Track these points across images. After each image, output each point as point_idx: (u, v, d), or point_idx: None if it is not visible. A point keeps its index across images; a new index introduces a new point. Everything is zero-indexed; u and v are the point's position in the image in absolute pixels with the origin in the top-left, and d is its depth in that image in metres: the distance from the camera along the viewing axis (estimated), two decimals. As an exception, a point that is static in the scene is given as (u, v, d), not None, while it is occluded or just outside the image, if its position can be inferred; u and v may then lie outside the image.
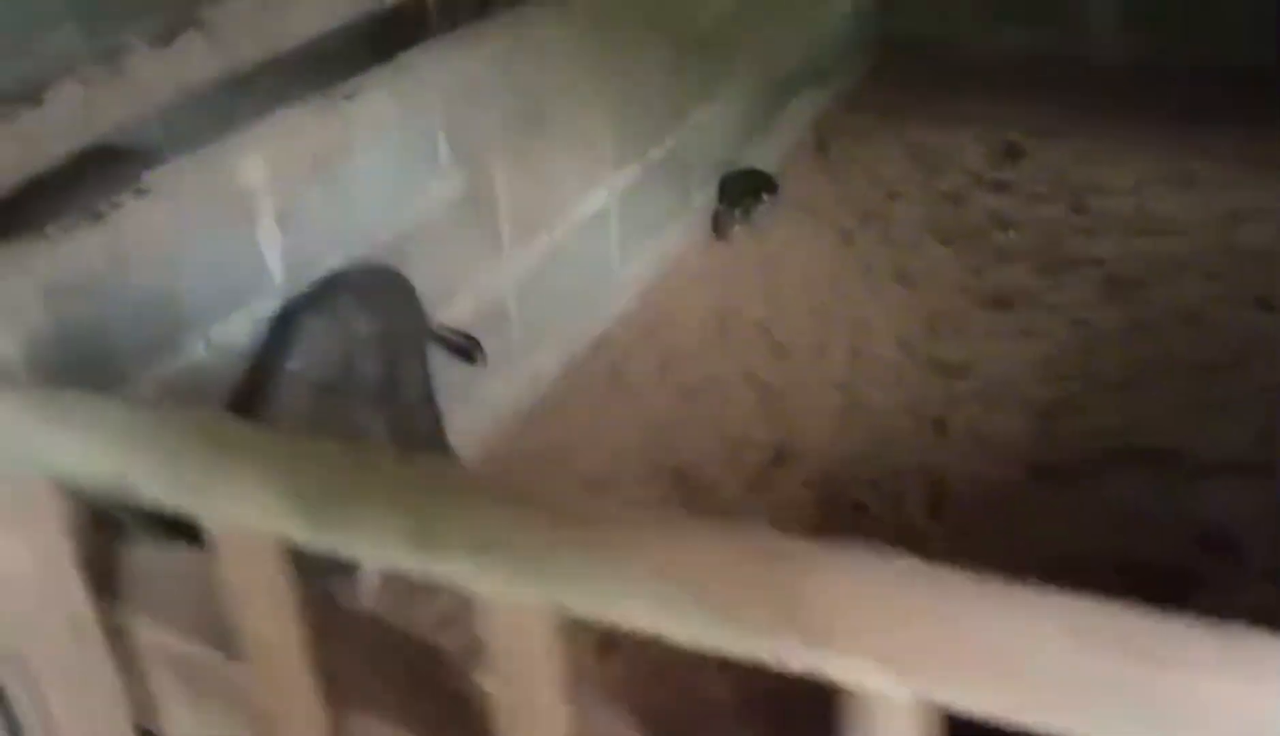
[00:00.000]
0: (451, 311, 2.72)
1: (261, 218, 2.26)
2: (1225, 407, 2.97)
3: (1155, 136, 4.11)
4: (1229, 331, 3.28)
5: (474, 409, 2.84)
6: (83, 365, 1.94)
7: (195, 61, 2.16)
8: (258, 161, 2.22)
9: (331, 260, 2.43)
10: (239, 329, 2.24)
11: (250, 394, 2.16)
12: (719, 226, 3.96)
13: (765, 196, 4.00)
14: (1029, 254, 3.75)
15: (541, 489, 0.94)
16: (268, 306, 2.30)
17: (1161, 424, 2.94)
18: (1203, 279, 3.53)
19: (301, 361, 2.18)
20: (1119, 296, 3.50)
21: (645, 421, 3.12)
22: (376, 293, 2.42)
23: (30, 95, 1.81)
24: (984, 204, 4.04)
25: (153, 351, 2.08)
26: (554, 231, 3.16)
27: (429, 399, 2.50)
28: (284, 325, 2.23)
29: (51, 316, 1.87)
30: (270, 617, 0.94)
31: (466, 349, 2.70)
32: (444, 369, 2.64)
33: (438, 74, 2.65)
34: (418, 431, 2.46)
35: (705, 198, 3.97)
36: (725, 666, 0.92)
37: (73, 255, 1.90)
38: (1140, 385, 3.11)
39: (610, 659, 2.21)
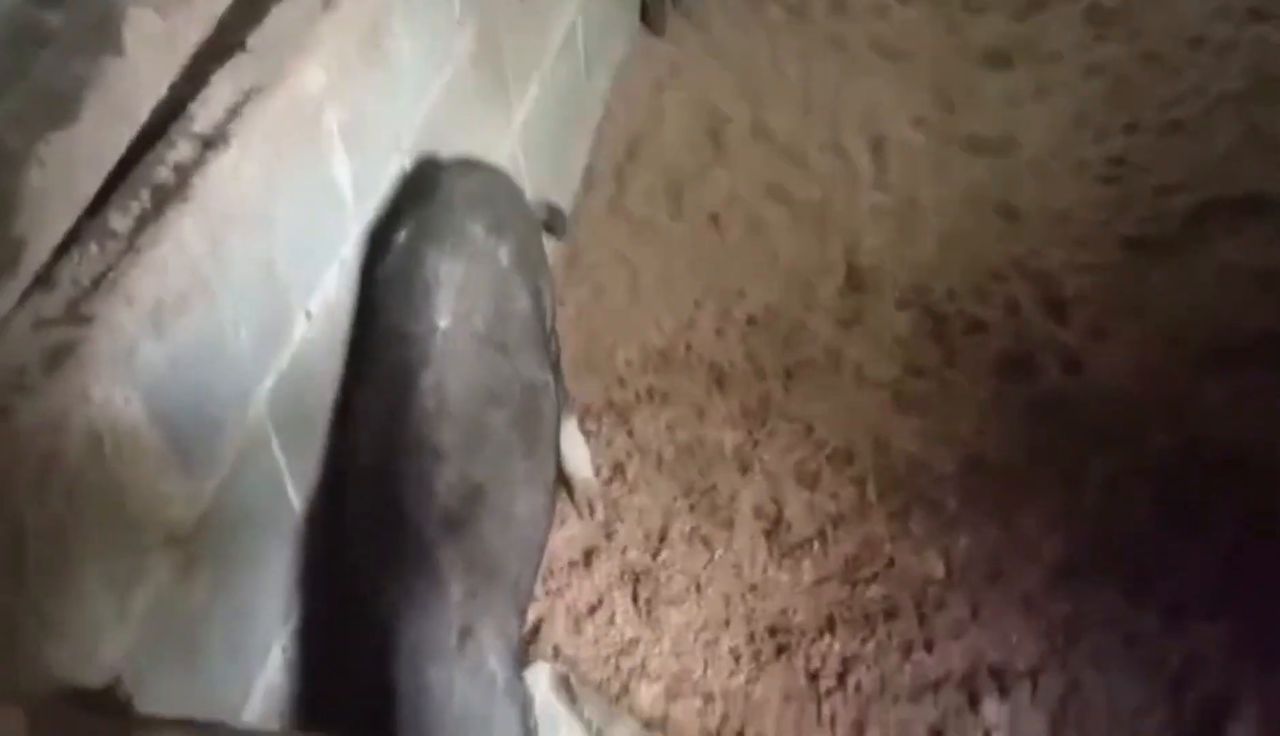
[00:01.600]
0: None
1: (331, 137, 1.67)
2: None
3: None
4: (1241, 50, 3.11)
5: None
6: (201, 397, 1.39)
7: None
8: (317, 67, 1.62)
9: (392, 167, 1.88)
10: (333, 285, 1.70)
11: (402, 368, 1.65)
12: (651, 20, 3.45)
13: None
14: (998, 1, 3.43)
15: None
16: (350, 250, 1.74)
17: (1235, 168, 2.77)
18: (1186, -5, 3.32)
19: (451, 317, 1.68)
20: (1112, 30, 3.26)
21: (684, 264, 2.72)
22: (498, 207, 1.90)
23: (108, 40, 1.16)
24: (924, -53, 3.66)
25: (264, 347, 1.53)
26: (542, 67, 2.61)
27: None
28: (415, 276, 1.71)
29: (165, 347, 1.30)
30: None
31: (550, 223, 2.27)
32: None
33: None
34: (557, 363, 2.01)
35: (638, -11, 3.43)
36: None
37: (172, 253, 1.31)
38: (1189, 127, 2.91)
39: None
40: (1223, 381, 2.33)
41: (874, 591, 2.09)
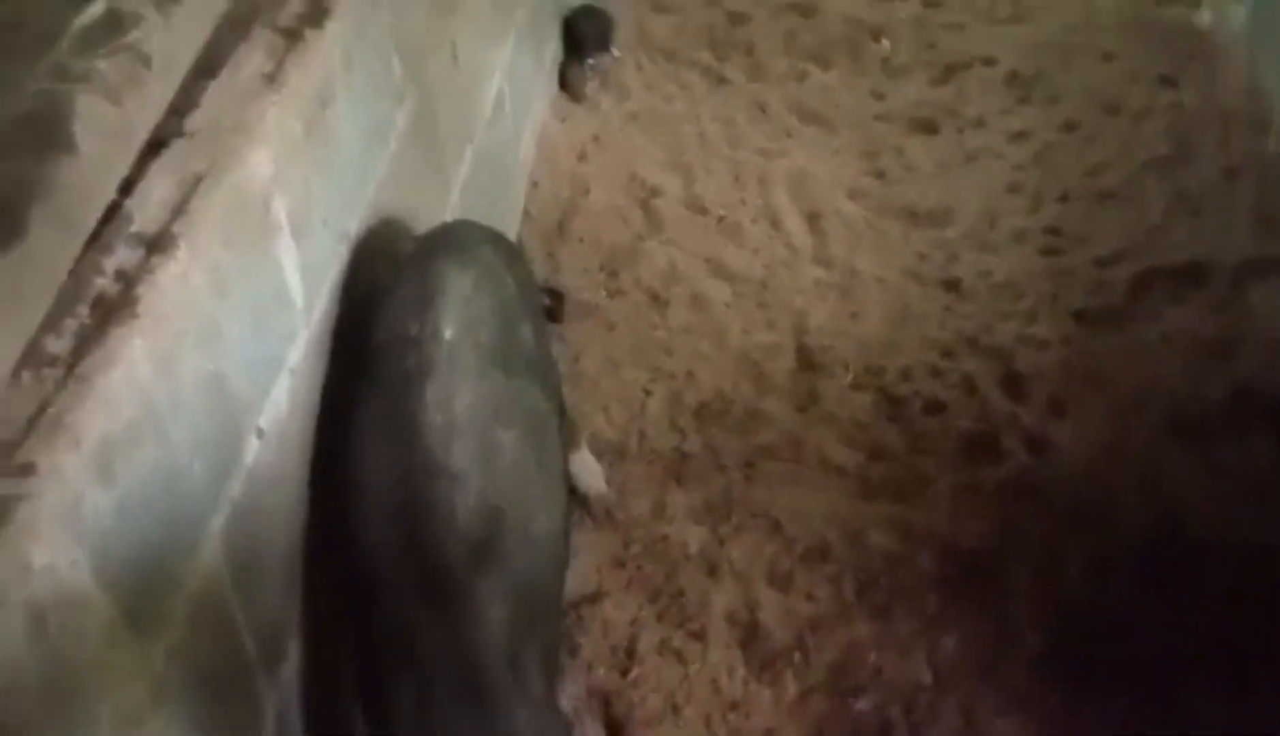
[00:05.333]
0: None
1: (279, 229, 1.47)
2: (1210, 198, 2.84)
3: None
4: (1157, 116, 3.13)
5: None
6: (152, 547, 1.17)
7: None
8: (263, 152, 1.42)
9: (341, 257, 1.68)
10: (284, 396, 1.49)
11: (405, 379, 1.51)
12: (570, 85, 3.33)
13: (611, 44, 3.40)
14: (916, 64, 3.41)
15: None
16: (298, 357, 1.54)
17: (1169, 235, 2.76)
18: (1099, 61, 3.35)
19: (457, 327, 1.56)
20: (1032, 95, 3.26)
21: (628, 347, 2.56)
22: (503, 245, 1.85)
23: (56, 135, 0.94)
24: (836, 9, 3.62)
25: (216, 477, 1.32)
26: (475, 138, 2.44)
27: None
28: (421, 283, 1.61)
29: (112, 493, 1.09)
30: None
31: (551, 308, 2.24)
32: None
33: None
34: (564, 411, 1.89)
35: (554, 53, 3.30)
36: None
37: (120, 380, 1.09)
38: (1119, 195, 2.91)
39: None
40: (1190, 453, 2.28)
41: (863, 703, 1.95)
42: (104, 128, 1.07)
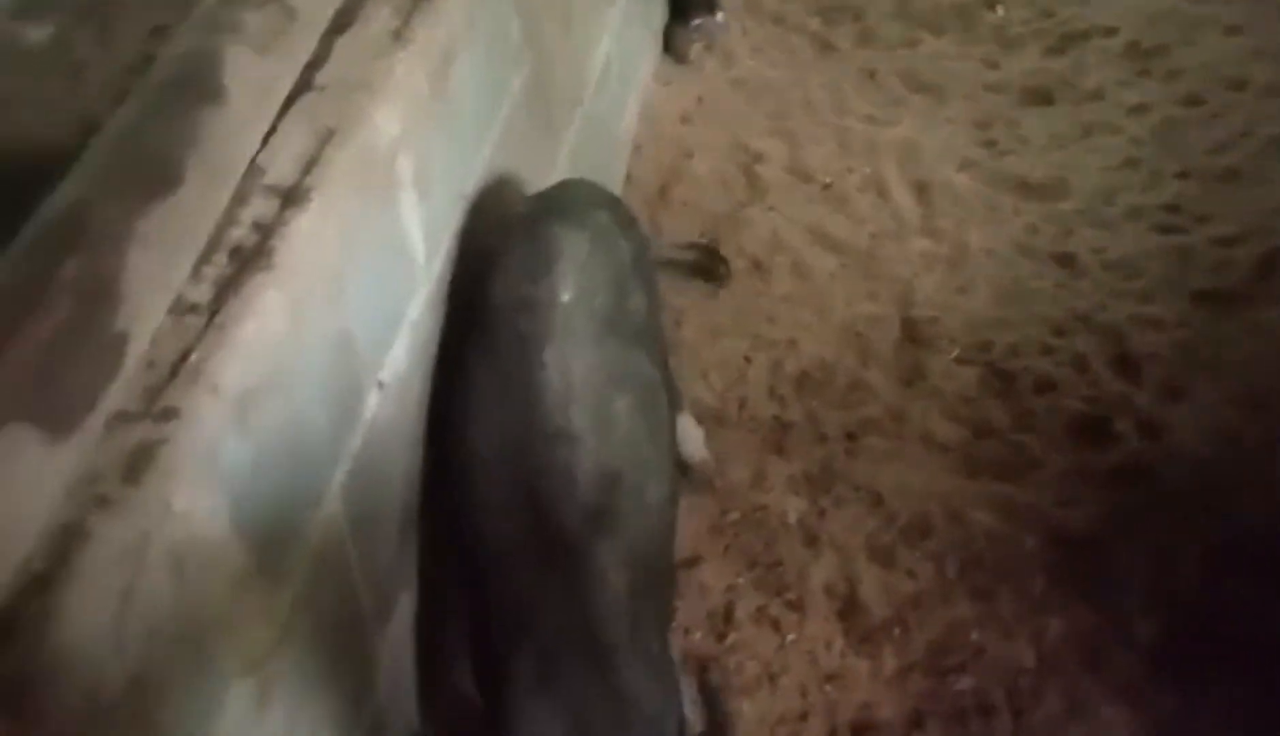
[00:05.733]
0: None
1: (404, 186, 1.48)
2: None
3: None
4: (1282, 94, 3.01)
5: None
6: (282, 497, 1.19)
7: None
8: (391, 109, 1.42)
9: (458, 216, 1.68)
10: (403, 352, 1.50)
11: (523, 341, 1.51)
12: (675, 48, 3.29)
13: (718, 7, 3.34)
14: (1031, 34, 3.30)
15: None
16: (418, 312, 1.55)
17: (1296, 217, 2.66)
18: (1224, 35, 3.22)
19: (574, 292, 1.55)
20: (1151, 69, 3.14)
21: (729, 314, 2.54)
22: (620, 210, 1.83)
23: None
24: (949, -25, 3.53)
25: (339, 431, 1.33)
26: (584, 102, 2.43)
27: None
28: (538, 245, 1.60)
29: (249, 443, 1.10)
30: None
31: (707, 265, 2.25)
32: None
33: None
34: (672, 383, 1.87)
35: (661, 15, 3.27)
36: None
37: (256, 329, 1.11)
38: (1244, 171, 2.79)
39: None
40: (1313, 445, 2.20)
41: (963, 683, 1.92)
42: (251, 80, 1.08)
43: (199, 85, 1.03)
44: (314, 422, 1.25)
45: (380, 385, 1.43)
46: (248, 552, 1.11)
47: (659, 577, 1.56)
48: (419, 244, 1.54)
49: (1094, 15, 3.33)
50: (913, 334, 2.50)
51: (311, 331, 1.24)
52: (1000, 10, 3.40)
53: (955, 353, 2.45)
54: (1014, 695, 1.91)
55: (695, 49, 3.29)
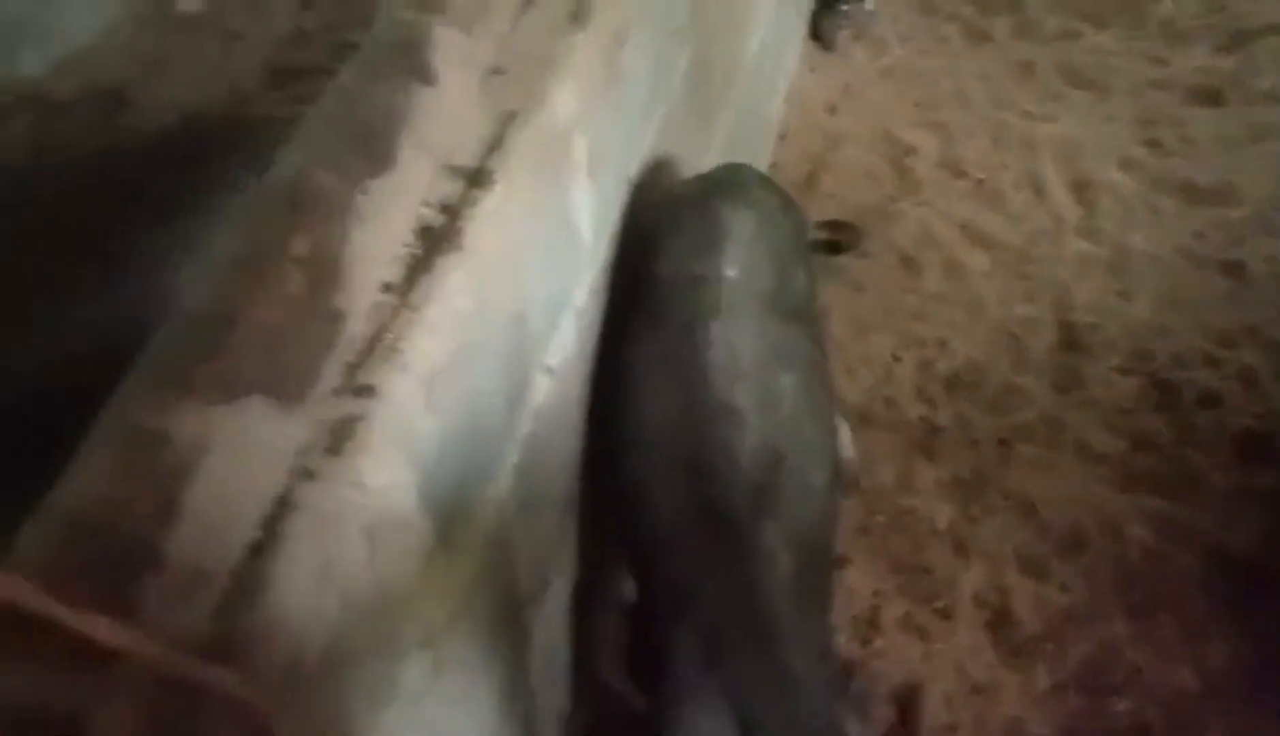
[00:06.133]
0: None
1: (578, 169, 1.46)
2: None
3: None
4: None
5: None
6: (463, 478, 1.18)
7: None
8: (569, 90, 1.40)
9: (623, 199, 1.66)
10: (570, 335, 1.48)
11: (689, 317, 1.50)
12: (822, 34, 3.23)
13: (868, -7, 3.27)
14: (1201, 29, 3.17)
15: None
16: (583, 296, 1.53)
17: None
18: None
19: (739, 269, 1.54)
20: (1331, 70, 2.99)
21: (877, 310, 2.49)
22: (782, 194, 1.82)
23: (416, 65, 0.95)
24: (1114, -34, 3.40)
25: (512, 414, 1.32)
26: (739, 86, 2.39)
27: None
28: (704, 221, 1.60)
29: (437, 421, 1.10)
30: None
31: (839, 243, 2.25)
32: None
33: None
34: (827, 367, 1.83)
35: (811, 2, 3.21)
36: None
37: (445, 310, 1.10)
38: None
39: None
40: None
41: (1120, 704, 1.85)
42: (457, 57, 1.07)
43: (408, 63, 1.03)
44: (492, 403, 1.25)
45: (549, 370, 1.42)
46: (433, 529, 1.10)
47: (821, 566, 1.53)
48: (587, 226, 1.53)
49: (1268, 12, 3.18)
50: (1070, 339, 2.41)
51: (492, 313, 1.23)
52: (1168, 3, 3.26)
53: (1115, 361, 2.35)
54: (1173, 721, 1.83)
55: (843, 36, 3.23)
